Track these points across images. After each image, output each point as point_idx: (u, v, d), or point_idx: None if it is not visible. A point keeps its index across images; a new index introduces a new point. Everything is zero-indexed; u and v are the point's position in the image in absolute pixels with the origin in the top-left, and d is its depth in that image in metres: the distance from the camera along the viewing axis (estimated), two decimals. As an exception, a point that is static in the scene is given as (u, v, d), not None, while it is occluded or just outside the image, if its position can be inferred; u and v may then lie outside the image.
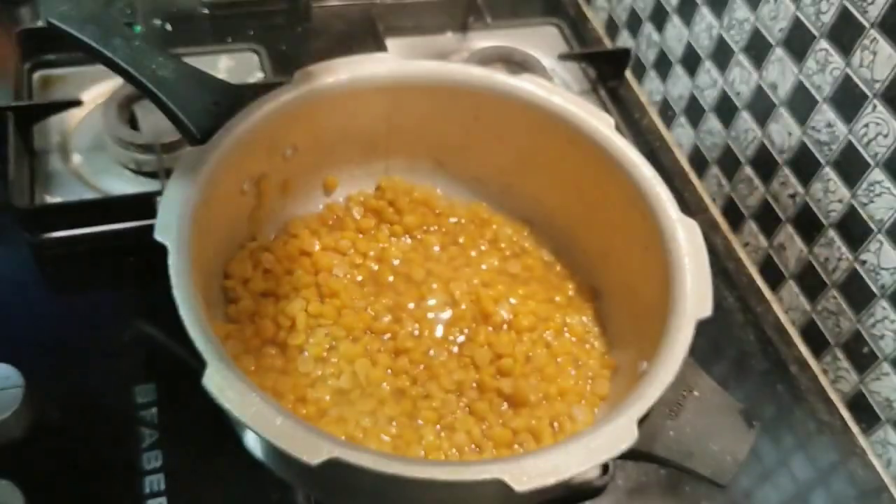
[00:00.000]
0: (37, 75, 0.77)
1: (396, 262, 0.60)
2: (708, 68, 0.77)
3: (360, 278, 0.58)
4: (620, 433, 0.41)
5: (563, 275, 0.61)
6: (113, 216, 0.65)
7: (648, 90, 0.88)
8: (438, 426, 0.51)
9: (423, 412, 0.51)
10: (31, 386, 0.54)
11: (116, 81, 0.74)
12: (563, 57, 0.87)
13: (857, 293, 0.64)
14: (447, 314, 0.57)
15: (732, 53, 0.74)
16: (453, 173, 0.64)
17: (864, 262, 0.63)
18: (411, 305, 0.57)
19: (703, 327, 0.47)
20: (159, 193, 0.60)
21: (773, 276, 0.73)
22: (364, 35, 0.88)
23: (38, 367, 0.57)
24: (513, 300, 0.58)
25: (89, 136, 0.73)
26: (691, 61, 0.80)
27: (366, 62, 0.57)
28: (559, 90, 0.58)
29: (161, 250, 0.44)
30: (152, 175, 0.70)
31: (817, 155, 0.66)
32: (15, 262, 0.64)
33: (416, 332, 0.56)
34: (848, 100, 0.62)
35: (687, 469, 0.46)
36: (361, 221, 0.61)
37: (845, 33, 0.61)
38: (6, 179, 0.64)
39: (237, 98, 0.53)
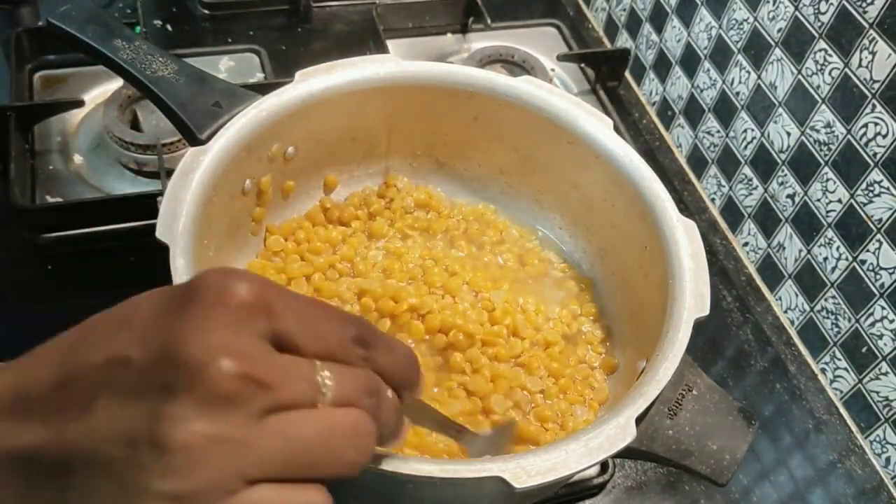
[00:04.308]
0: (37, 76, 0.77)
1: (396, 262, 0.60)
2: (707, 69, 0.78)
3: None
4: (619, 432, 0.41)
5: (564, 275, 0.61)
6: (114, 216, 0.65)
7: (648, 91, 0.88)
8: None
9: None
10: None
11: (117, 82, 0.74)
12: (563, 57, 0.87)
13: (856, 293, 0.64)
14: (446, 313, 0.57)
15: (732, 54, 0.74)
16: (453, 173, 0.64)
17: (863, 262, 0.63)
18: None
19: (702, 327, 0.47)
20: (160, 193, 0.60)
21: (772, 276, 0.73)
22: (364, 35, 0.89)
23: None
24: (512, 300, 0.58)
25: (90, 136, 0.73)
26: (690, 62, 0.80)
27: (366, 63, 0.57)
28: (558, 91, 0.58)
29: (162, 250, 0.44)
30: (153, 175, 0.70)
31: (816, 155, 0.66)
32: (15, 262, 0.64)
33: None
34: (847, 100, 0.62)
35: (685, 467, 0.46)
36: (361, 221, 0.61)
37: (844, 34, 0.61)
38: (7, 179, 0.64)
39: (237, 98, 0.53)
